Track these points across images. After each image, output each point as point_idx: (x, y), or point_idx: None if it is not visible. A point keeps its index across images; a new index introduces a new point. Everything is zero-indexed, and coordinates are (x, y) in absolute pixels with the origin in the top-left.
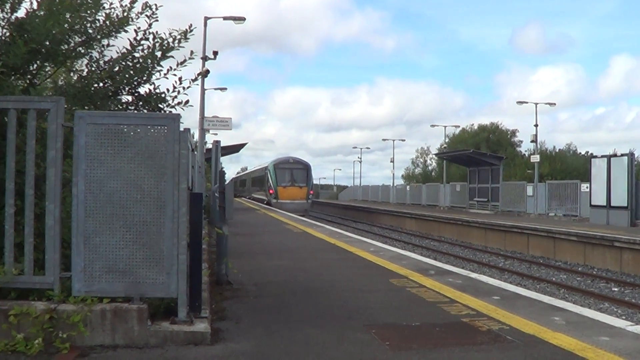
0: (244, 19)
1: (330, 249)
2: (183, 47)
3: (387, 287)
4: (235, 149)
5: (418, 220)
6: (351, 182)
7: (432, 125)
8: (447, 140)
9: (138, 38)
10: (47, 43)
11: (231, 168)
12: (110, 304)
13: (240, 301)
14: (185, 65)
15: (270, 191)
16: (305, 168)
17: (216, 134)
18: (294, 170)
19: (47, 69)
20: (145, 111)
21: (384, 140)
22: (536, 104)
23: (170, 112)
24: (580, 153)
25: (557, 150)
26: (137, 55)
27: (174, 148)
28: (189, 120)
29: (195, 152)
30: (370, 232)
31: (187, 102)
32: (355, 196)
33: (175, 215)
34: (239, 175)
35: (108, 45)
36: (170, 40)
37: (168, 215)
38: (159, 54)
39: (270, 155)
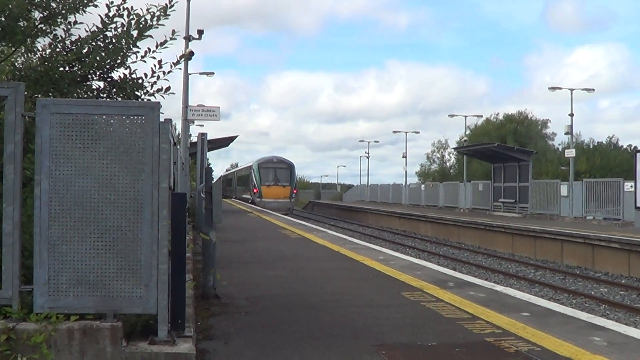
0: None
1: (334, 257)
2: (163, 25)
3: (399, 301)
4: (224, 142)
5: (434, 224)
6: (357, 181)
7: (451, 115)
8: (468, 132)
9: (110, 14)
10: (3, 19)
11: (219, 164)
12: (78, 321)
13: (229, 318)
14: (166, 47)
15: (255, 190)
16: (289, 168)
17: (202, 126)
18: (278, 169)
19: (3, 50)
20: (119, 99)
21: (395, 132)
22: (572, 90)
23: (149, 100)
24: (623, 147)
25: (595, 144)
26: (109, 34)
27: (153, 142)
28: (171, 109)
29: (178, 147)
30: (379, 238)
31: (168, 88)
32: (362, 197)
33: (155, 218)
34: (228, 172)
35: (75, 22)
36: (148, 17)
37: (146, 219)
38: (135, 33)
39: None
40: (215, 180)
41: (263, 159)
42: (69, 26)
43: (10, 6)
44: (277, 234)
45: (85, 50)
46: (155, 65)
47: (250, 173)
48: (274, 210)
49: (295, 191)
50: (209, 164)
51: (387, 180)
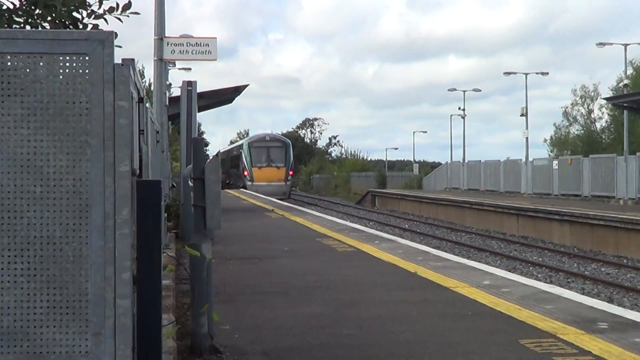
0: None
1: (409, 282)
2: None
3: (518, 356)
4: (225, 96)
5: (576, 225)
6: (446, 156)
7: (601, 44)
8: (631, 71)
9: None
10: None
11: (219, 133)
12: None
13: None
14: None
15: (245, 173)
16: (284, 146)
17: (189, 70)
18: (271, 149)
19: None
20: (47, 27)
21: (508, 74)
22: None
23: (96, 27)
24: None
25: None
26: None
27: (104, 97)
28: (136, 44)
29: (148, 106)
30: (484, 250)
31: (127, 6)
32: (455, 182)
33: (110, 224)
34: (233, 146)
35: None
36: None
37: (95, 225)
38: None
39: (288, 108)
40: (210, 158)
41: (254, 137)
42: None
43: None
44: (315, 245)
45: None
46: None
47: (240, 153)
48: (267, 195)
49: (291, 173)
50: (200, 133)
51: (494, 153)
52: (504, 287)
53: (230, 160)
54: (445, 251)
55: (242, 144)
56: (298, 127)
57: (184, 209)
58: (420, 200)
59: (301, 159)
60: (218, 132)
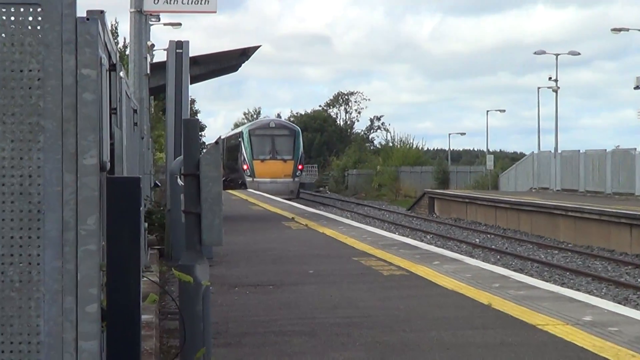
0: None
1: (481, 318)
2: None
3: None
4: (227, 62)
5: None
6: (531, 145)
7: None
8: None
9: None
10: None
11: (220, 114)
12: None
13: None
14: None
15: (245, 167)
16: (292, 134)
17: (179, 26)
18: (277, 137)
19: None
20: None
21: (616, 31)
22: None
23: None
24: None
25: None
26: None
27: (63, 64)
28: None
29: (123, 75)
30: (585, 274)
31: None
32: (544, 180)
33: (70, 237)
34: (235, 132)
35: None
36: None
37: (50, 239)
38: None
39: (315, 78)
40: (208, 147)
41: (256, 122)
42: None
43: None
44: (351, 266)
45: None
46: None
47: (239, 143)
48: (271, 193)
49: (300, 167)
50: (194, 113)
51: (599, 140)
52: (611, 326)
53: (227, 151)
54: (531, 275)
55: (241, 132)
56: (328, 105)
57: (171, 217)
58: (495, 204)
59: (332, 148)
60: (218, 111)
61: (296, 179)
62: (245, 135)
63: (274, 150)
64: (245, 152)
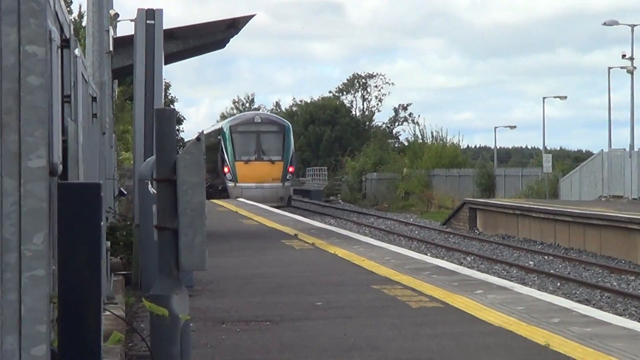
0: None
1: None
2: None
3: None
4: (211, 35)
5: None
6: (600, 141)
7: None
8: None
9: None
10: None
11: (203, 102)
12: None
13: None
14: None
15: (225, 169)
16: (281, 131)
17: None
18: (263, 134)
19: None
20: None
21: None
22: None
23: None
24: None
25: None
26: None
27: (1, 39)
28: None
29: (79, 53)
30: None
31: None
32: (617, 186)
33: (11, 260)
34: (217, 127)
35: None
36: None
37: None
38: None
39: (324, 57)
40: (188, 144)
41: (238, 117)
42: None
43: None
44: (370, 296)
45: None
46: None
47: (219, 142)
48: (257, 201)
49: (291, 170)
50: (169, 102)
51: None
52: None
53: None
54: (600, 307)
55: (220, 128)
56: (340, 91)
57: (140, 234)
58: (555, 217)
59: (345, 146)
60: (200, 99)
61: (286, 184)
62: (226, 132)
63: (259, 149)
64: (225, 152)
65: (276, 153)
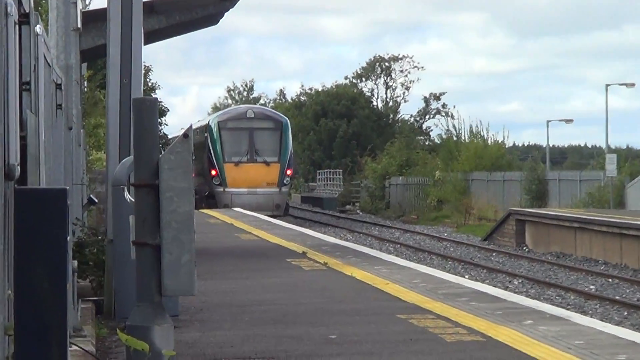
0: None
1: None
2: None
3: None
4: (201, 9)
5: None
6: None
7: None
8: None
9: None
10: None
11: (191, 90)
12: None
13: None
14: None
15: (213, 172)
16: (278, 128)
17: None
18: (257, 132)
19: None
20: None
21: None
22: None
23: None
24: None
25: None
26: None
27: None
28: None
29: (40, 30)
30: None
31: None
32: None
33: None
34: (204, 122)
35: None
36: None
37: None
38: None
39: (339, 36)
40: (172, 142)
41: (228, 112)
42: None
43: None
44: (396, 328)
45: None
46: None
47: (205, 140)
48: (250, 208)
49: (289, 173)
50: (150, 88)
51: None
52: None
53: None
54: None
55: (207, 124)
56: (359, 77)
57: (114, 251)
58: (621, 231)
59: (364, 143)
60: (188, 87)
61: (283, 189)
62: (213, 129)
63: (252, 149)
64: (213, 152)
65: (272, 153)
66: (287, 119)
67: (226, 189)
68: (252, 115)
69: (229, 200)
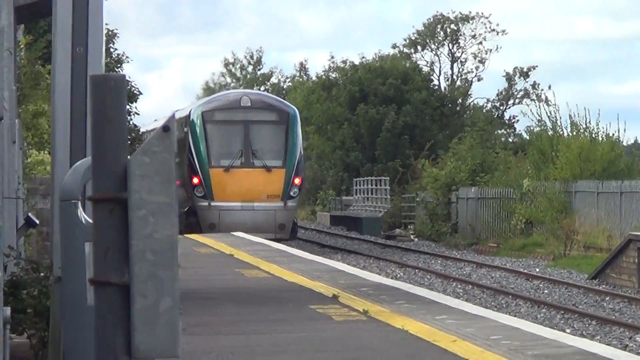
0: None
1: None
2: None
3: None
4: None
5: None
6: None
7: None
8: None
9: None
10: None
11: (175, 66)
12: None
13: None
14: None
15: (195, 180)
16: (283, 121)
17: None
18: (254, 126)
19: None
20: None
21: None
22: None
23: None
24: None
25: None
26: None
27: None
28: None
29: None
30: None
31: None
32: None
33: None
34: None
35: None
36: None
37: None
38: None
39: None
40: (147, 136)
41: (217, 98)
42: None
43: None
44: None
45: None
46: None
47: (185, 137)
48: (247, 230)
49: (297, 182)
50: (115, 61)
51: None
52: None
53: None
54: None
55: (188, 115)
56: (411, 44)
57: (63, 293)
58: None
59: (420, 140)
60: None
61: (290, 204)
62: (196, 122)
63: (248, 149)
64: (195, 153)
65: (275, 155)
66: (295, 108)
67: (212, 203)
68: (249, 104)
69: (216, 219)
